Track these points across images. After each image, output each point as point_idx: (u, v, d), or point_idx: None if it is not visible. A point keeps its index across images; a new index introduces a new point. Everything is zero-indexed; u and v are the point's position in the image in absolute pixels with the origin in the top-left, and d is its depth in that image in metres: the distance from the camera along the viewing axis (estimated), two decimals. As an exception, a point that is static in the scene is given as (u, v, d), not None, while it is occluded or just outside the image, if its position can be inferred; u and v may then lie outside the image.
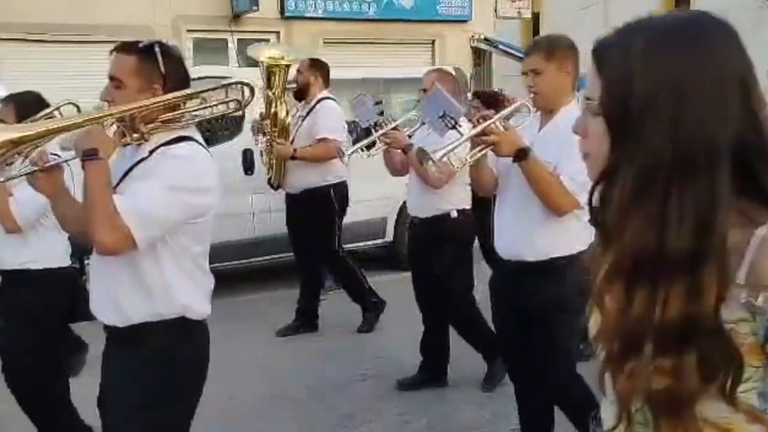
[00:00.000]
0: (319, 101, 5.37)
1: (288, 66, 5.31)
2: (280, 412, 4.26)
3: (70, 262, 3.39)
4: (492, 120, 2.87)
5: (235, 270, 6.43)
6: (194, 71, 7.63)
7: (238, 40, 10.93)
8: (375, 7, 12.05)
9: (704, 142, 1.03)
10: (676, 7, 18.61)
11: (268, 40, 11.50)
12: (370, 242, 7.13)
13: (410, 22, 12.26)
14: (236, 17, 11.06)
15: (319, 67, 5.58)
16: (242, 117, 6.68)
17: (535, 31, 21.47)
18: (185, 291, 2.21)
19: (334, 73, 8.07)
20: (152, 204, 2.07)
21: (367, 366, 4.96)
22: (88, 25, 9.86)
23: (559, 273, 2.88)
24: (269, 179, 5.47)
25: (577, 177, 2.69)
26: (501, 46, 13.04)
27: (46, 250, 3.21)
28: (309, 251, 5.54)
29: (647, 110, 1.05)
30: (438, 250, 4.29)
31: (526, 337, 3.05)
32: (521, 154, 2.82)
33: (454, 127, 3.07)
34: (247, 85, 2.43)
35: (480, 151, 2.90)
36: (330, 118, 5.34)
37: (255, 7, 10.83)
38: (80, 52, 9.97)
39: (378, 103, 5.35)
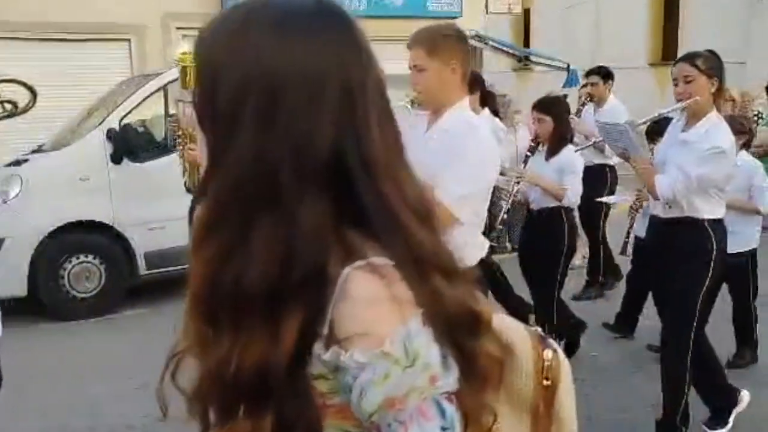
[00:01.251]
0: None
1: None
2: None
3: None
4: None
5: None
6: (184, 68, 7.54)
7: (228, 37, 10.88)
8: (365, 4, 12.03)
9: (294, 156, 0.85)
10: (665, 5, 18.67)
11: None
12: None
13: (400, 19, 12.23)
14: (226, 14, 11.01)
15: None
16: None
17: (526, 27, 21.53)
18: None
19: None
20: None
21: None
22: (76, 22, 9.79)
23: None
24: (185, 183, 5.19)
25: (453, 189, 2.51)
26: (491, 43, 13.02)
27: None
28: None
29: (234, 113, 0.85)
30: None
31: None
32: None
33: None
34: (24, 84, 2.22)
35: None
36: None
37: (245, 4, 10.79)
38: (68, 49, 9.90)
39: None
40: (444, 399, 0.86)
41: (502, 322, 1.01)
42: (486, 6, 13.29)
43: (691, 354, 3.50)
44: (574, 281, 6.50)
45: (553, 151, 4.56)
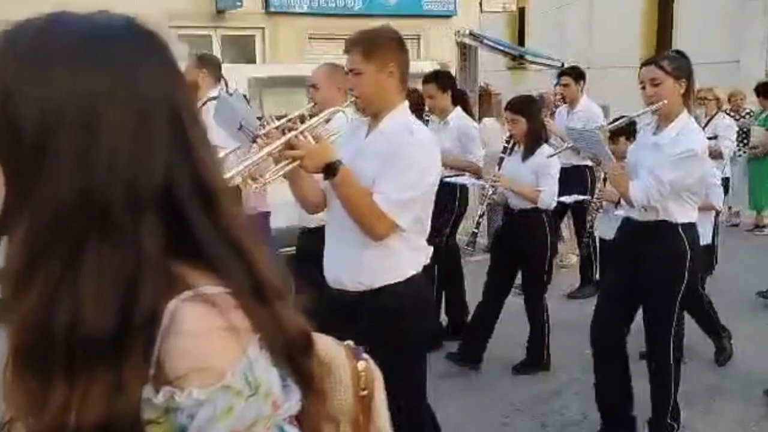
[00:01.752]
0: (207, 101, 4.93)
1: None
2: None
3: None
4: (299, 130, 2.54)
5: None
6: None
7: (223, 36, 10.87)
8: (360, 2, 12.02)
9: (125, 189, 0.79)
10: (659, 4, 18.71)
11: (252, 36, 11.45)
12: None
13: (395, 18, 12.22)
14: (220, 13, 10.98)
15: (207, 63, 5.14)
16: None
17: (521, 25, 21.56)
18: None
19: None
20: None
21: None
22: (70, 21, 9.77)
23: (389, 302, 2.61)
24: None
25: (392, 195, 2.49)
26: (486, 41, 13.03)
27: None
28: None
29: (44, 142, 0.77)
30: None
31: None
32: (329, 170, 2.48)
33: (254, 140, 2.69)
34: None
35: (285, 166, 2.55)
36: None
37: (239, 3, 10.77)
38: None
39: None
40: (287, 423, 0.85)
41: (318, 338, 1.00)
42: (481, 4, 13.29)
43: (674, 352, 3.57)
44: (569, 279, 6.52)
45: (528, 152, 4.53)
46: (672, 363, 3.58)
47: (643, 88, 3.42)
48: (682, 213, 3.39)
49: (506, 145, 4.61)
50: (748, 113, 9.13)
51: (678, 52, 3.51)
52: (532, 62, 14.19)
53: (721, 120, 7.18)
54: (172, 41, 0.88)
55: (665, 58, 3.41)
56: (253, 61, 11.04)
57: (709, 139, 6.72)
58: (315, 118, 2.72)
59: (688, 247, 3.41)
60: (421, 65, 10.01)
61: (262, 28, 11.49)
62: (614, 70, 17.61)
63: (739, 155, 8.92)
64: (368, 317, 2.62)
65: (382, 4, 12.14)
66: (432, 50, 12.19)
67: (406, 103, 2.71)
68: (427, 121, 5.28)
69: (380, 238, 2.55)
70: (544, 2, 20.01)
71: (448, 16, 12.71)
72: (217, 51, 10.52)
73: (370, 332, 2.45)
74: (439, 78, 5.25)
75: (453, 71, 9.18)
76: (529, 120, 4.51)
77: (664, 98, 3.29)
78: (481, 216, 4.74)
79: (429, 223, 2.72)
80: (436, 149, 2.70)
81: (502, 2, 13.60)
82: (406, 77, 2.69)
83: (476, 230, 4.71)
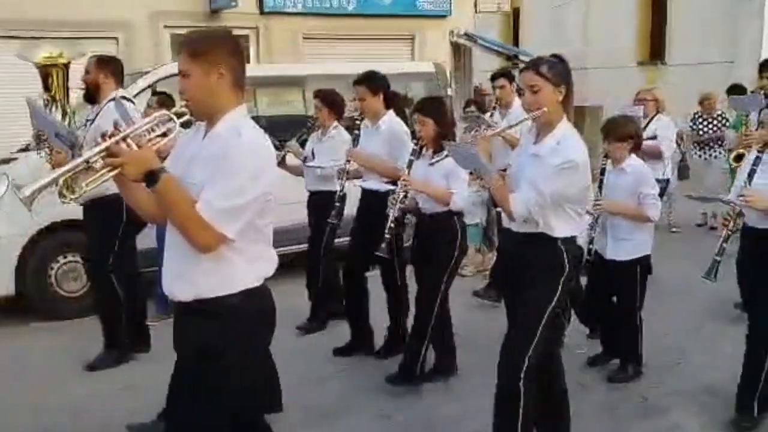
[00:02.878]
0: (107, 103, 4.85)
1: (67, 64, 4.87)
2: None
3: None
4: (120, 135, 2.36)
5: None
6: (172, 67, 7.59)
7: (217, 35, 10.85)
8: (354, 2, 12.01)
9: None
10: (654, 4, 18.74)
11: (246, 36, 11.44)
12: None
13: (390, 18, 12.24)
14: (214, 12, 10.97)
15: (107, 63, 5.03)
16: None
17: (515, 26, 21.59)
18: None
19: (314, 69, 8.03)
20: None
21: (344, 361, 4.96)
22: (65, 21, 9.73)
23: (214, 316, 2.43)
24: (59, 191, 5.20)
25: (216, 202, 2.31)
26: (481, 42, 13.04)
27: None
28: (93, 260, 5.15)
29: None
30: None
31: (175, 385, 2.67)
32: (149, 178, 2.31)
33: (72, 147, 2.48)
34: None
35: (104, 174, 2.36)
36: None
37: (233, 3, 10.76)
38: (59, 47, 9.83)
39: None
40: None
41: None
42: (475, 4, 13.31)
43: (527, 375, 3.18)
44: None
45: (437, 155, 4.35)
46: (522, 386, 3.17)
47: (522, 94, 3.29)
48: (562, 227, 3.20)
49: (415, 147, 4.41)
50: (720, 115, 9.13)
51: (556, 56, 3.29)
52: (525, 62, 14.22)
53: (660, 119, 6.94)
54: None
55: (544, 63, 3.21)
56: (248, 61, 10.99)
57: (649, 139, 6.53)
58: (139, 124, 2.50)
59: (567, 264, 3.20)
60: (415, 65, 10.04)
61: (257, 28, 11.49)
62: (609, 70, 17.66)
63: (715, 157, 8.97)
64: (200, 332, 2.46)
65: (376, 3, 12.14)
66: (426, 50, 12.20)
67: (243, 106, 2.53)
68: (359, 126, 5.06)
69: (207, 249, 2.37)
70: (539, 3, 20.05)
71: (442, 16, 12.72)
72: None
73: (202, 350, 2.43)
74: (371, 80, 4.95)
75: (447, 71, 9.19)
76: (438, 122, 4.34)
77: (543, 106, 3.14)
78: (393, 222, 4.41)
79: (270, 230, 2.54)
80: (268, 152, 2.48)
81: (497, 2, 13.62)
82: (240, 80, 2.51)
83: (388, 236, 4.40)
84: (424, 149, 4.42)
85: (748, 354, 3.97)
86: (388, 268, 4.98)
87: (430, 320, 4.38)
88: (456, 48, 12.85)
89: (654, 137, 6.68)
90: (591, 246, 4.69)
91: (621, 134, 4.52)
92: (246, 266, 2.47)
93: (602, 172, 4.57)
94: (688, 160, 9.30)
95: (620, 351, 4.74)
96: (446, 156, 4.16)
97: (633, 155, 4.58)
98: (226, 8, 10.87)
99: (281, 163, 5.24)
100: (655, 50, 18.61)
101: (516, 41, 20.76)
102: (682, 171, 9.21)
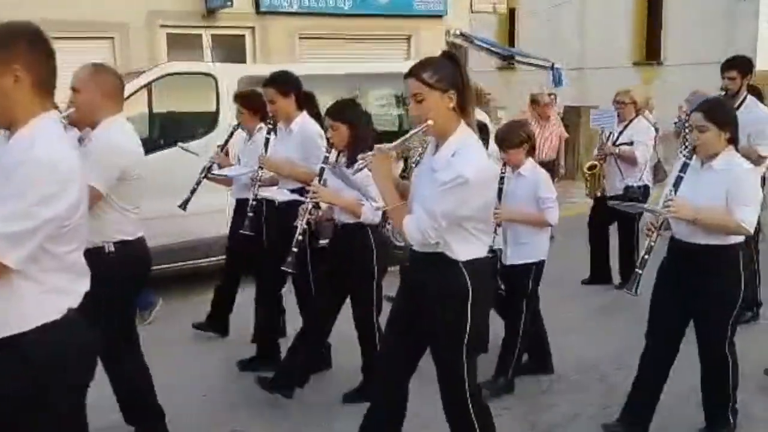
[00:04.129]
0: None
1: None
2: (251, 408, 4.27)
3: None
4: None
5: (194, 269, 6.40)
6: (168, 66, 7.59)
7: (213, 35, 10.85)
8: (351, 2, 12.02)
9: None
10: (650, 4, 18.78)
11: (242, 36, 11.44)
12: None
13: (386, 17, 12.25)
14: (210, 12, 10.97)
15: None
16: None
17: (511, 26, 21.60)
18: None
19: (310, 69, 8.02)
20: None
21: (337, 362, 4.96)
22: (59, 20, 9.72)
23: (13, 356, 2.09)
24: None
25: (5, 225, 1.96)
26: (477, 42, 13.06)
27: None
28: None
29: None
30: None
31: None
32: None
33: None
34: None
35: None
36: None
37: (229, 2, 10.75)
38: (55, 47, 9.83)
39: None
40: None
41: None
42: (471, 5, 13.32)
43: (473, 405, 3.03)
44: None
45: (351, 162, 3.85)
46: (471, 413, 3.01)
47: (407, 103, 2.96)
48: (464, 249, 2.88)
49: (327, 154, 4.10)
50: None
51: (447, 54, 2.98)
52: (521, 62, 14.22)
53: (638, 123, 6.67)
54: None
55: (427, 67, 2.83)
56: (244, 61, 11.03)
57: (625, 144, 6.51)
58: None
59: (471, 289, 2.86)
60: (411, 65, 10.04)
61: (253, 28, 11.49)
62: (605, 70, 17.69)
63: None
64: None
65: (373, 3, 12.15)
66: (422, 50, 12.20)
67: (51, 112, 2.20)
68: (272, 129, 4.73)
69: None
70: (534, 3, 20.07)
71: (438, 16, 12.73)
72: (207, 51, 10.52)
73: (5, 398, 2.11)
74: (279, 81, 4.63)
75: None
76: (351, 127, 4.02)
77: (430, 116, 2.79)
78: (302, 234, 4.07)
79: (76, 258, 2.21)
80: (69, 169, 2.08)
81: (493, 3, 13.64)
82: (44, 80, 2.17)
83: (294, 249, 4.04)
84: (340, 156, 4.11)
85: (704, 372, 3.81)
86: (301, 282, 4.64)
87: (372, 334, 4.26)
88: (452, 48, 12.86)
89: (630, 143, 6.55)
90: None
91: (515, 141, 4.43)
92: (43, 298, 2.10)
93: (501, 180, 4.40)
94: (664, 161, 9.27)
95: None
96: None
97: (530, 159, 4.51)
98: (222, 8, 10.87)
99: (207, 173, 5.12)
100: (651, 50, 18.65)
101: (512, 41, 20.78)
102: (657, 172, 9.17)
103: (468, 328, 2.89)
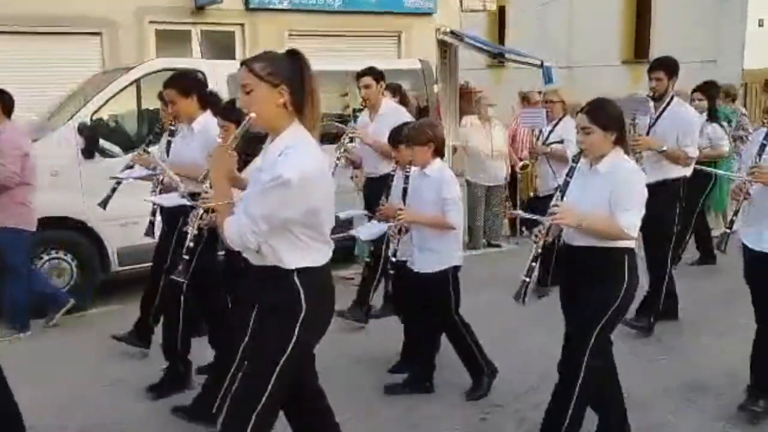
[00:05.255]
0: None
1: None
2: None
3: None
4: None
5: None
6: (158, 63, 7.55)
7: (202, 31, 10.80)
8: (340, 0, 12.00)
9: None
10: (638, 4, 18.85)
11: (232, 32, 11.39)
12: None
13: (376, 15, 12.23)
14: (199, 9, 10.91)
15: None
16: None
17: (501, 24, 21.62)
18: None
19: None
20: None
21: (325, 363, 4.94)
22: (47, 16, 9.65)
23: None
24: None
25: None
26: (467, 39, 13.06)
27: None
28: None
29: None
30: None
31: None
32: None
33: None
34: None
35: None
36: None
37: (219, -1, 10.71)
38: (39, 42, 9.76)
39: None
40: None
41: None
42: (461, 3, 13.32)
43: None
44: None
45: (244, 166, 3.64)
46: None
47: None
48: (294, 256, 2.68)
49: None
50: None
51: (293, 52, 2.83)
52: (511, 60, 14.25)
53: (568, 122, 6.44)
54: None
55: (263, 60, 2.77)
56: (233, 58, 10.98)
57: (556, 143, 6.42)
58: None
59: (304, 302, 2.66)
60: (401, 63, 10.04)
61: (242, 25, 11.44)
62: (594, 68, 17.75)
63: None
64: None
65: (363, 1, 12.12)
66: (412, 48, 12.20)
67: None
68: (174, 131, 4.65)
69: None
70: (524, 1, 20.10)
71: (428, 14, 12.72)
72: (196, 47, 10.48)
73: None
74: (179, 81, 4.54)
75: (433, 69, 9.20)
76: (239, 126, 3.75)
77: (258, 110, 2.69)
78: (195, 244, 3.88)
79: None
80: None
81: (482, 0, 13.64)
82: None
83: (186, 257, 3.84)
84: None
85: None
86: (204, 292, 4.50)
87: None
88: (442, 45, 12.86)
89: (561, 141, 6.46)
90: (394, 259, 4.48)
91: (421, 138, 4.30)
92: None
93: (406, 179, 4.37)
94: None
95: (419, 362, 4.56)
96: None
97: (438, 159, 4.37)
98: (212, 4, 10.82)
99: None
100: (640, 49, 18.73)
101: (501, 40, 20.80)
102: None
103: (289, 349, 2.67)
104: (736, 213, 3.94)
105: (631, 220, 3.31)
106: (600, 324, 3.39)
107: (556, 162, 6.44)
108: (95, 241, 6.46)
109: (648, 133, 5.48)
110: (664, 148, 5.34)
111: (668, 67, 5.65)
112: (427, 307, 4.46)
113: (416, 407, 4.25)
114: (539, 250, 3.42)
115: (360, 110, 6.12)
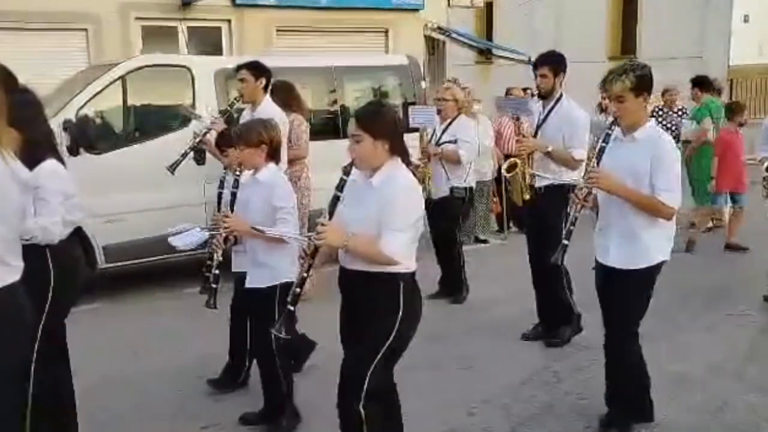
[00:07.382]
0: None
1: None
2: (241, 408, 4.25)
3: None
4: None
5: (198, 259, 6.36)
6: (144, 59, 7.51)
7: (189, 27, 10.75)
8: (328, -6, 11.98)
9: None
10: (625, 0, 18.92)
11: (219, 28, 11.35)
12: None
13: (363, 11, 12.22)
14: (186, 5, 10.87)
15: None
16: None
17: (488, 20, 21.64)
18: None
19: (287, 62, 7.98)
20: None
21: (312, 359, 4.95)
22: (32, 11, 9.59)
23: None
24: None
25: None
26: (454, 35, 13.07)
27: None
28: None
29: None
30: None
31: None
32: None
33: None
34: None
35: None
36: None
37: (206, -6, 10.68)
38: (24, 38, 9.70)
39: None
40: None
41: None
42: (448, -1, 13.34)
43: None
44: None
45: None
46: None
47: None
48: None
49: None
50: (680, 110, 9.18)
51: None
52: (498, 56, 14.28)
53: (461, 121, 6.26)
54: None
55: None
56: (220, 54, 10.94)
57: (448, 143, 6.04)
58: None
59: (52, 269, 2.75)
60: (389, 58, 10.02)
61: (229, 20, 11.40)
62: (581, 65, 17.80)
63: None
64: None
65: (350, -4, 12.11)
66: (400, 43, 12.20)
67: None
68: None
69: None
70: (512, -3, 20.14)
71: (415, 10, 12.72)
72: (183, 43, 10.44)
73: None
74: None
75: (421, 64, 9.19)
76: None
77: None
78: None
79: None
80: None
81: (470, -3, 13.66)
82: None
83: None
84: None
85: None
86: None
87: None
88: (430, 41, 12.87)
89: (454, 141, 6.13)
90: (215, 272, 4.03)
91: (251, 139, 3.83)
92: None
93: (235, 184, 3.90)
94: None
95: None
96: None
97: (272, 163, 3.91)
98: (198, 0, 10.78)
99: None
100: (626, 45, 18.80)
101: (489, 36, 20.83)
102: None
103: (44, 318, 2.73)
104: (573, 223, 3.62)
105: (398, 242, 2.92)
106: (378, 353, 3.11)
107: (448, 163, 6.11)
108: (81, 238, 6.41)
109: (536, 134, 5.14)
110: (549, 149, 5.00)
111: (553, 63, 5.25)
112: (256, 322, 4.04)
113: (402, 403, 4.25)
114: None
115: (234, 103, 5.79)
